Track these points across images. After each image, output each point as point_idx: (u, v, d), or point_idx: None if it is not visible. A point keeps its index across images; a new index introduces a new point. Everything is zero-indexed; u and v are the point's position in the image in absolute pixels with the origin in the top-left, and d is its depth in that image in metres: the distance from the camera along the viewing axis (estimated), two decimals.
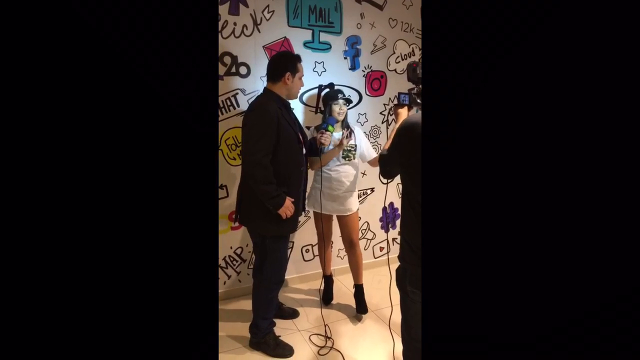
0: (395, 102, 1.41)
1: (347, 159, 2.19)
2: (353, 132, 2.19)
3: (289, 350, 1.94)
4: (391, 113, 1.47)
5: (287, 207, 1.74)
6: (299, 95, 1.87)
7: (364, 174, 2.77)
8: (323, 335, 2.10)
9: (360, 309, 2.33)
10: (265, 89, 1.82)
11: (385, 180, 2.92)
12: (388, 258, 1.71)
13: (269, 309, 1.93)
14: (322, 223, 2.29)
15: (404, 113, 1.38)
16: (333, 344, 2.04)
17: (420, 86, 1.35)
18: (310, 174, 2.28)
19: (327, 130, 1.92)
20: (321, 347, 2.02)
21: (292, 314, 2.30)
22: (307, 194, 2.32)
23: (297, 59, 1.81)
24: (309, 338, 2.09)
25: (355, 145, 2.18)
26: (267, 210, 1.73)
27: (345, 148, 2.13)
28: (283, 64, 1.76)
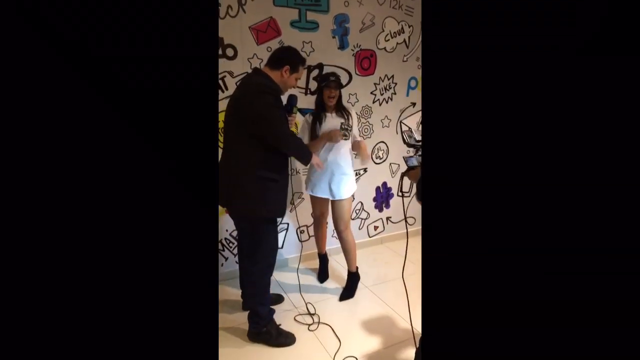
0: (405, 167, 1.50)
1: (344, 137, 2.13)
2: (350, 115, 2.18)
3: (291, 339, 1.92)
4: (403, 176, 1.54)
5: (316, 157, 1.90)
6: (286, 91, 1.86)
7: (356, 155, 2.77)
8: (307, 314, 2.14)
9: (343, 294, 2.33)
10: (260, 70, 1.80)
11: (378, 161, 2.95)
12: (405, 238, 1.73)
13: (265, 294, 1.91)
14: (319, 205, 2.33)
15: (417, 172, 1.44)
16: (319, 320, 2.08)
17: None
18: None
19: (293, 113, 1.90)
20: (310, 324, 2.05)
21: (276, 299, 2.27)
22: (306, 177, 2.33)
23: (302, 62, 1.82)
24: (295, 318, 2.12)
25: (351, 126, 2.15)
26: (257, 194, 1.73)
27: (344, 126, 2.11)
28: (287, 57, 1.77)
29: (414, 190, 1.33)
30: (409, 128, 1.48)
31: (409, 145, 1.53)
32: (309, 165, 2.30)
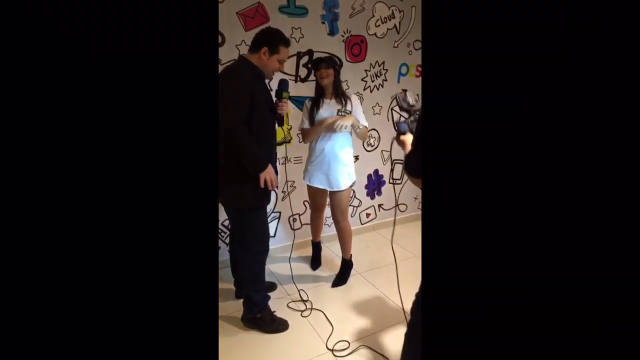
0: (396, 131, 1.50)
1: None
2: (349, 100, 2.14)
3: (284, 325, 1.95)
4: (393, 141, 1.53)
5: (270, 172, 1.72)
6: (272, 75, 1.81)
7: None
8: (300, 300, 2.18)
9: (335, 281, 2.37)
10: (240, 56, 1.79)
11: (369, 148, 2.96)
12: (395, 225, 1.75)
13: (258, 280, 1.92)
14: (316, 195, 2.32)
15: (408, 138, 1.43)
16: (312, 306, 2.12)
17: (416, 115, 1.42)
18: (305, 147, 2.27)
19: (283, 98, 1.84)
20: (303, 310, 2.09)
21: (269, 287, 2.28)
22: (304, 167, 2.31)
23: (283, 41, 1.74)
24: (288, 305, 2.15)
25: (350, 112, 2.11)
26: (243, 181, 1.71)
27: (341, 113, 2.09)
28: (264, 38, 1.72)
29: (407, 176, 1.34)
30: (403, 91, 1.46)
31: (401, 108, 1.50)
32: (307, 154, 2.28)
